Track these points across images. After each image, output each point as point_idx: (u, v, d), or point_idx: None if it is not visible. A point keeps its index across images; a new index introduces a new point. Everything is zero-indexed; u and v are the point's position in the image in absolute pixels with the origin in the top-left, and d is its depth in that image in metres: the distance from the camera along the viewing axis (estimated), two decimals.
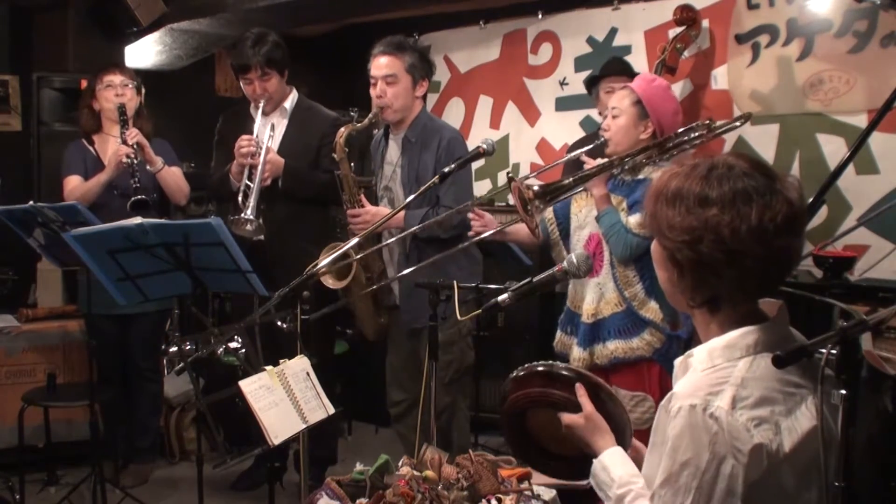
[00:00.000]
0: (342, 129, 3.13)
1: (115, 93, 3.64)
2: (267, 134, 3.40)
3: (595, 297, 2.72)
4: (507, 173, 2.62)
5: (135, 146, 3.49)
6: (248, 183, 3.31)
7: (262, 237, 3.45)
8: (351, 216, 3.14)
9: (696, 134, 2.68)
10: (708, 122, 2.71)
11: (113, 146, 3.65)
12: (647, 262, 2.65)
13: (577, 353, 2.73)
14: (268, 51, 3.39)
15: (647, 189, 2.57)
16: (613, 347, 2.67)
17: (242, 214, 3.25)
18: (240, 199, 3.33)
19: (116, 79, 3.66)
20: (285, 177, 3.39)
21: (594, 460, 1.59)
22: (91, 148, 3.74)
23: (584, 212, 2.81)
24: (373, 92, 3.12)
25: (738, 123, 2.77)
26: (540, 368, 1.71)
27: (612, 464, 1.56)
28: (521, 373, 1.72)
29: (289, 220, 3.45)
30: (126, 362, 3.80)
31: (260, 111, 3.46)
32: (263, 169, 3.30)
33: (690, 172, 1.43)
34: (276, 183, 3.38)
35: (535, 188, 2.44)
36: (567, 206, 2.89)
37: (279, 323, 2.60)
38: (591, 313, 2.71)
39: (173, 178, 3.71)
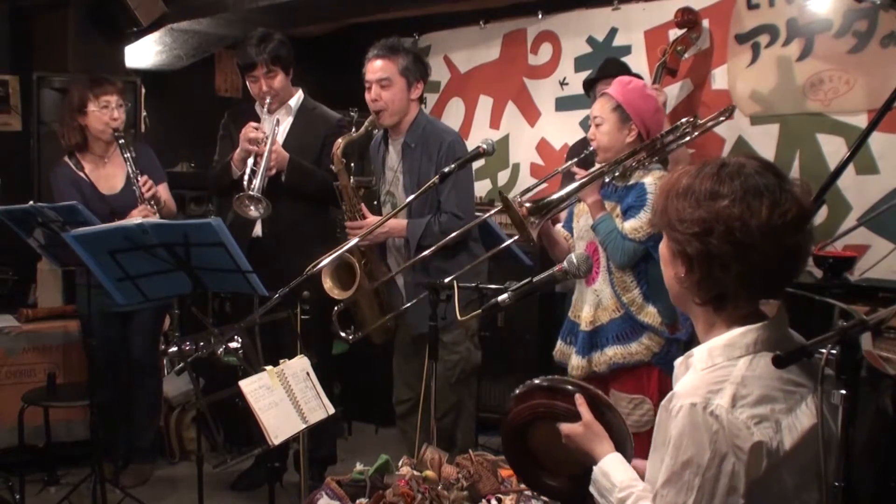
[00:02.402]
0: (339, 140, 3.13)
1: (112, 116, 3.52)
2: (272, 127, 3.40)
3: (592, 305, 2.73)
4: (500, 194, 2.64)
5: (152, 204, 3.46)
6: (254, 168, 3.30)
7: (260, 234, 3.46)
8: (351, 228, 3.13)
9: (682, 132, 2.69)
10: (693, 118, 2.72)
11: (108, 171, 3.60)
12: (644, 267, 2.66)
13: (576, 361, 2.74)
14: (273, 48, 3.40)
15: (641, 193, 2.61)
16: (612, 353, 2.67)
17: (249, 191, 3.22)
18: (245, 181, 3.30)
19: (113, 99, 3.53)
20: (289, 170, 3.38)
21: (594, 467, 1.59)
22: (81, 173, 3.58)
23: (581, 221, 2.83)
24: (368, 96, 3.12)
25: (721, 118, 2.78)
26: (543, 383, 1.73)
27: (612, 469, 1.56)
28: (524, 388, 1.75)
29: (290, 220, 3.44)
30: (125, 359, 3.79)
31: (266, 109, 3.46)
32: (269, 158, 3.29)
33: (700, 170, 1.45)
34: (278, 181, 3.38)
35: (528, 205, 2.46)
36: (571, 220, 2.91)
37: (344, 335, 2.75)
38: (590, 321, 2.72)
39: (168, 209, 3.66)
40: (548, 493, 1.86)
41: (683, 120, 2.72)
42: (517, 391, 1.76)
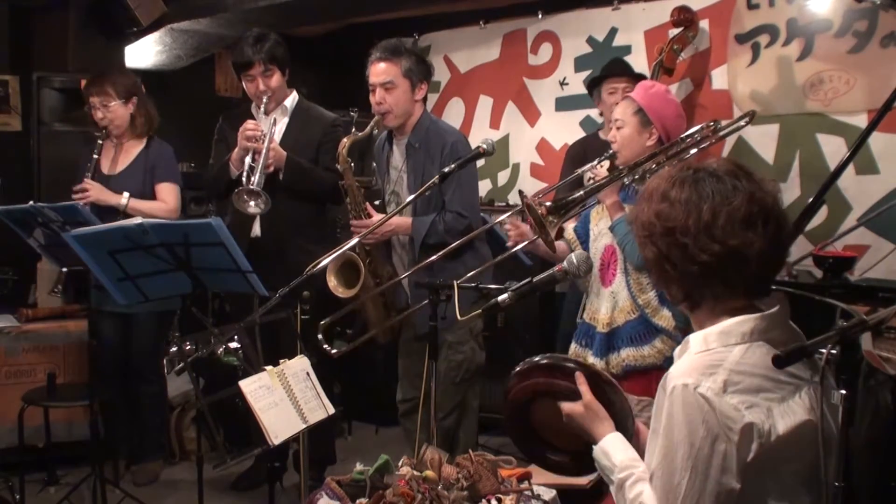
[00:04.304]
0: (344, 139, 3.13)
1: (97, 116, 3.65)
2: (270, 125, 3.40)
3: (609, 306, 2.73)
4: (520, 192, 2.65)
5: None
6: (252, 164, 3.30)
7: (259, 234, 3.47)
8: (356, 226, 3.14)
9: (701, 136, 2.68)
10: (713, 123, 2.71)
11: (117, 156, 3.72)
12: None
13: (593, 363, 2.73)
14: (270, 47, 3.41)
15: None
16: (625, 355, 2.67)
17: (249, 185, 3.22)
18: (244, 178, 3.30)
19: (96, 101, 3.64)
20: (287, 169, 3.38)
21: (595, 447, 1.61)
22: (95, 153, 3.73)
23: (600, 224, 2.83)
24: (372, 99, 3.13)
25: (742, 123, 2.77)
26: (543, 361, 1.74)
27: (612, 449, 1.58)
28: (525, 366, 1.76)
29: (289, 219, 3.44)
30: (126, 363, 3.79)
31: (262, 110, 3.46)
32: (267, 155, 3.29)
33: (666, 173, 1.51)
34: (276, 179, 3.38)
35: (548, 205, 2.46)
36: (587, 222, 2.91)
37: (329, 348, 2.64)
38: (606, 322, 2.72)
39: (148, 206, 3.61)
40: (551, 467, 1.87)
41: (702, 125, 2.72)
42: (518, 368, 1.77)
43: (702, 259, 1.40)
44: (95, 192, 3.57)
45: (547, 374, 1.72)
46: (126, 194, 3.61)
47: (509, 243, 2.85)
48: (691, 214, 1.41)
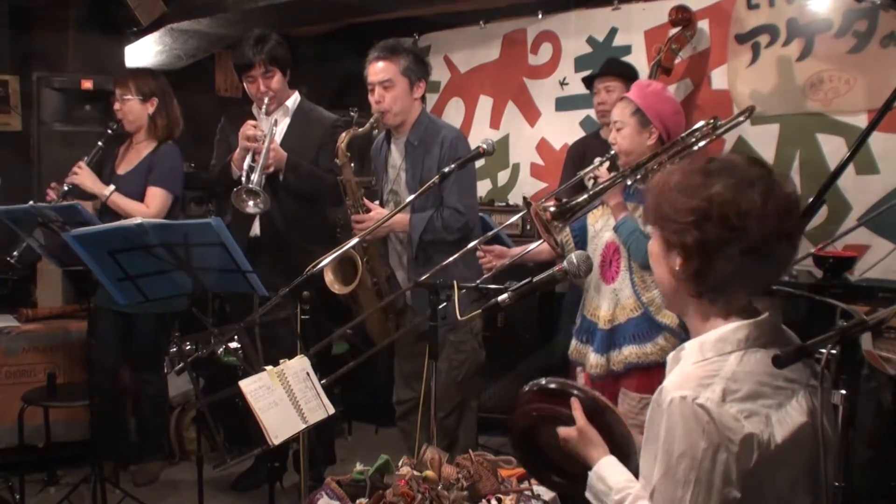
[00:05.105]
0: (343, 134, 3.13)
1: (117, 107, 3.69)
2: (270, 126, 3.40)
3: (611, 303, 2.73)
4: (524, 198, 2.65)
5: (68, 187, 3.56)
6: (252, 164, 3.29)
7: (258, 234, 3.46)
8: (356, 221, 3.14)
9: (702, 134, 2.68)
10: (713, 120, 2.72)
11: (128, 156, 3.75)
12: None
13: (594, 359, 2.73)
14: (270, 48, 3.41)
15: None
16: (628, 352, 2.68)
17: (248, 185, 3.20)
18: (243, 177, 3.28)
19: (117, 93, 3.71)
20: (287, 169, 3.38)
21: (590, 472, 1.59)
22: (119, 150, 3.80)
23: (599, 222, 2.83)
24: (371, 98, 3.14)
25: (741, 118, 2.78)
26: (549, 385, 1.75)
27: (607, 473, 1.56)
28: (532, 388, 1.76)
29: (289, 219, 3.44)
30: (126, 362, 3.79)
31: (263, 110, 3.46)
32: (267, 155, 3.28)
33: (690, 166, 1.48)
34: (276, 179, 3.38)
35: (552, 209, 2.46)
36: (583, 220, 2.91)
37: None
38: (608, 319, 2.72)
39: (127, 205, 3.56)
40: (554, 488, 1.88)
41: (702, 123, 2.72)
42: (526, 389, 1.77)
43: (750, 244, 1.39)
44: (83, 176, 3.57)
45: (550, 400, 1.72)
46: (111, 187, 3.60)
47: (485, 269, 2.88)
48: (743, 198, 1.40)
